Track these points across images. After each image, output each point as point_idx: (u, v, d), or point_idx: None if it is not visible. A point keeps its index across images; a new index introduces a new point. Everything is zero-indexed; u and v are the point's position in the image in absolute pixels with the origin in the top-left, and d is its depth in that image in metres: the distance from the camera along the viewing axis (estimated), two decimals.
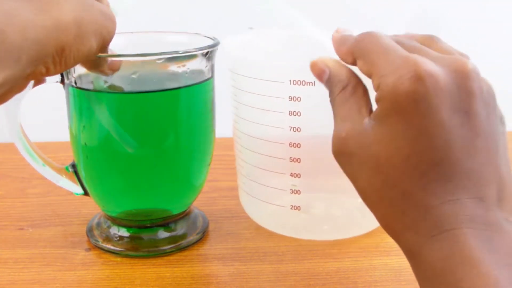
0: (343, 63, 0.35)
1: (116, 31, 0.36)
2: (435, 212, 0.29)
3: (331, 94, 0.35)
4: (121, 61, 0.40)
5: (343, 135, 0.32)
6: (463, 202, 0.29)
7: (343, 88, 0.34)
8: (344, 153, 0.32)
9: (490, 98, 0.31)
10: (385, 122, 0.30)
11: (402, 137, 0.30)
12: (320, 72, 0.35)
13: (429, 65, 0.30)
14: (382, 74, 0.31)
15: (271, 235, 0.48)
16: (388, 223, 0.31)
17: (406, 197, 0.30)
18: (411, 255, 0.30)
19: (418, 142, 0.29)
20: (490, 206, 0.29)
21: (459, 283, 0.27)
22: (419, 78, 0.29)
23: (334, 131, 0.33)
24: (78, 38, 0.31)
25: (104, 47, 0.35)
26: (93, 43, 0.33)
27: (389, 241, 0.47)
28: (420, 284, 0.30)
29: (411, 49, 0.32)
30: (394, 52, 0.31)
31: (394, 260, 0.45)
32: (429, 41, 0.34)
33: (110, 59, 0.39)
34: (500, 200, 0.29)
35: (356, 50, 0.34)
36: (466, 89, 0.30)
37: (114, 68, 0.40)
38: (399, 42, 0.33)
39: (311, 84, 0.41)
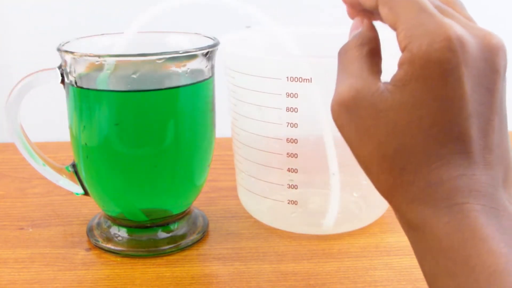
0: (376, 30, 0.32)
1: (116, 31, 0.35)
2: (449, 185, 0.28)
3: (345, 45, 0.32)
4: None
5: (352, 94, 0.29)
6: (479, 178, 0.28)
7: (361, 45, 0.31)
8: (351, 114, 0.30)
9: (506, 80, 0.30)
10: (409, 87, 0.28)
11: (426, 106, 0.28)
12: (354, 26, 0.33)
13: (464, 35, 0.28)
14: (412, 33, 0.28)
15: (270, 234, 0.48)
16: (393, 193, 0.29)
17: (421, 167, 0.28)
18: (415, 227, 0.29)
19: (442, 113, 0.28)
20: (498, 186, 0.28)
21: (468, 259, 0.26)
22: (453, 47, 0.27)
23: (339, 86, 0.30)
24: None
25: None
26: None
27: (389, 241, 0.48)
28: (420, 260, 0.29)
29: (443, 11, 0.30)
30: (426, 11, 0.29)
31: (394, 260, 0.45)
32: (453, 5, 0.32)
33: None
34: (504, 181, 0.29)
35: None
36: (493, 66, 0.29)
37: None
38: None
39: (308, 80, 0.42)
